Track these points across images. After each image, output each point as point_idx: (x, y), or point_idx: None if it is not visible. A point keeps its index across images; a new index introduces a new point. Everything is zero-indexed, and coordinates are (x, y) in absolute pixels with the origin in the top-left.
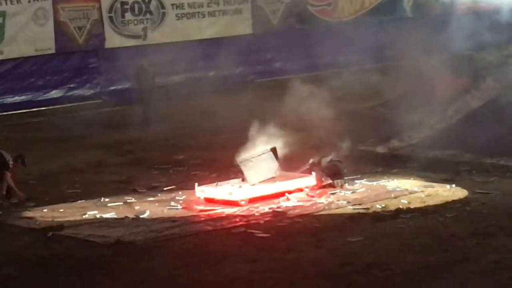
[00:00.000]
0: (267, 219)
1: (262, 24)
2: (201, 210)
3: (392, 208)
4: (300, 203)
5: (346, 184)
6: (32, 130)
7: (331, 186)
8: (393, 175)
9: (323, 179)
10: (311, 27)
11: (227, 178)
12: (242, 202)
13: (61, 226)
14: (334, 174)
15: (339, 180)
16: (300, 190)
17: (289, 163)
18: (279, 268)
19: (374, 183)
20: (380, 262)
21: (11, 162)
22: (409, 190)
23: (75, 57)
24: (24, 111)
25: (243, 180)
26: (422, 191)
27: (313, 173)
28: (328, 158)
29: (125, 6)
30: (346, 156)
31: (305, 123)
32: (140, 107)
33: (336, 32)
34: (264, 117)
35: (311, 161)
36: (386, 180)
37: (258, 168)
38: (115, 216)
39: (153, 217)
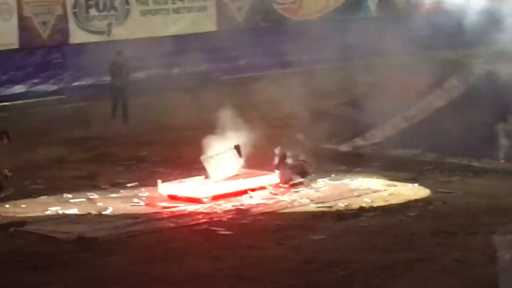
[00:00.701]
0: (230, 216)
1: (227, 21)
2: (164, 207)
3: (355, 206)
4: (263, 201)
5: (312, 183)
6: None
7: (301, 184)
8: (356, 173)
9: (293, 177)
10: (276, 25)
11: (190, 175)
12: (205, 200)
13: (23, 222)
14: (299, 173)
15: (307, 178)
16: (263, 188)
17: (253, 161)
18: (241, 266)
19: (337, 181)
20: (342, 260)
21: None
22: (372, 189)
23: (39, 53)
24: None
25: (207, 177)
26: (385, 190)
27: (277, 171)
28: (293, 154)
29: (90, 2)
30: (310, 154)
31: (269, 121)
32: (115, 103)
33: (301, 31)
34: (228, 115)
35: (276, 155)
36: (349, 179)
37: (221, 166)
38: (78, 212)
39: (116, 213)
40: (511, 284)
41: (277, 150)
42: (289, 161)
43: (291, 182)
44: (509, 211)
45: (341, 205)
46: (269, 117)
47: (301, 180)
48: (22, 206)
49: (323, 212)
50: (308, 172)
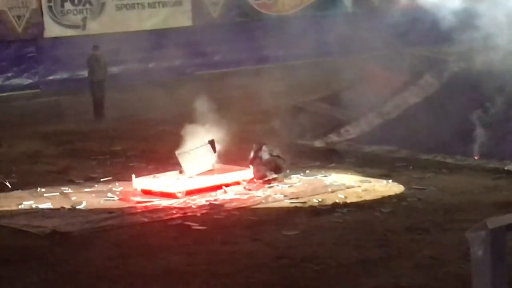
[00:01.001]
0: (204, 211)
1: (202, 17)
2: (138, 202)
3: (329, 202)
4: (237, 196)
5: (286, 179)
6: None
7: (275, 180)
8: (330, 169)
9: (267, 173)
10: (251, 21)
11: (165, 170)
12: (179, 194)
13: None
14: (273, 169)
15: (281, 174)
16: (238, 183)
17: (227, 156)
18: (215, 261)
19: (311, 177)
20: (315, 256)
21: None
22: (346, 185)
23: (14, 46)
24: None
25: (181, 172)
26: (359, 186)
27: (251, 166)
28: (268, 148)
29: None
30: (285, 150)
31: (244, 116)
32: (93, 98)
33: (276, 26)
34: (202, 110)
35: (253, 150)
36: (323, 175)
37: (195, 161)
38: (51, 207)
39: (90, 208)
40: (483, 280)
41: (254, 146)
42: (264, 155)
43: (265, 178)
44: (482, 207)
45: (315, 201)
46: (244, 113)
47: (275, 176)
48: None
49: (297, 207)
50: (281, 168)
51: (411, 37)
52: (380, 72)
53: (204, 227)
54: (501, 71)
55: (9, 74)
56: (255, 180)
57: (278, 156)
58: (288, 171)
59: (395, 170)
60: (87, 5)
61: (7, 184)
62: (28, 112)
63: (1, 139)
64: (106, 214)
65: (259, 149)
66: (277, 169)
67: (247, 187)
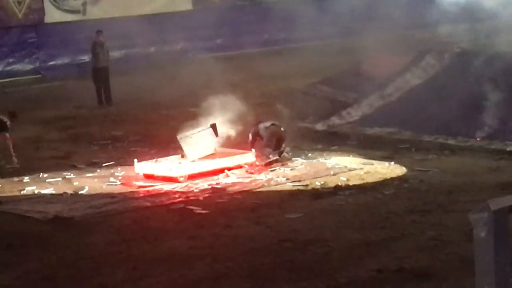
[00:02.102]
0: (206, 195)
1: (202, 0)
2: (140, 186)
3: (331, 185)
4: (240, 180)
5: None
6: None
7: (278, 161)
8: (332, 152)
9: (270, 155)
10: (252, 4)
11: (167, 154)
12: (181, 179)
13: None
14: (275, 142)
15: (285, 153)
16: (240, 167)
17: (229, 140)
18: (218, 245)
19: (313, 160)
20: (318, 239)
21: (8, 122)
22: (348, 167)
23: (14, 32)
24: None
25: (183, 156)
26: (361, 168)
27: (253, 150)
28: (267, 124)
29: None
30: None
31: (246, 100)
32: (97, 85)
33: (278, 9)
34: (204, 94)
35: (251, 134)
36: (326, 158)
37: (197, 145)
38: (54, 192)
39: (92, 193)
40: (486, 261)
41: (252, 128)
42: (262, 132)
43: (267, 161)
44: (485, 189)
45: (317, 183)
46: (246, 96)
47: (277, 156)
48: None
49: (299, 190)
50: (283, 136)
51: (411, 19)
52: (382, 54)
53: (207, 211)
54: (501, 52)
55: (11, 60)
56: (257, 163)
57: (273, 124)
58: (290, 153)
59: (397, 152)
60: None
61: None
62: (29, 98)
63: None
64: (109, 199)
65: (257, 129)
66: (279, 140)
67: (249, 170)
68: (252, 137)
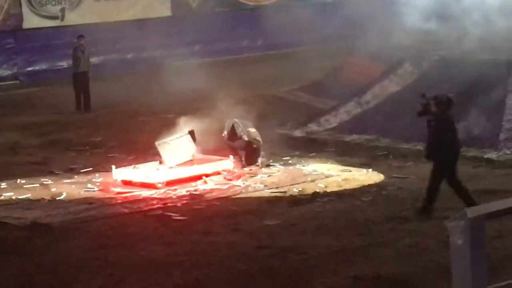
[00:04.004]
0: (184, 202)
1: (181, 7)
2: (118, 193)
3: (309, 191)
4: (218, 186)
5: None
6: None
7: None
8: (310, 159)
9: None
10: (230, 11)
11: (145, 160)
12: (160, 185)
13: None
14: (251, 154)
15: (262, 160)
16: (218, 173)
17: (207, 146)
18: (195, 251)
19: (291, 167)
20: (296, 246)
21: None
22: (326, 174)
23: None
24: None
25: (161, 162)
26: (339, 175)
27: (231, 156)
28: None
29: None
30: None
31: (223, 107)
32: (79, 92)
33: (256, 16)
34: (182, 100)
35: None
36: (303, 164)
37: (175, 151)
38: (31, 198)
39: (70, 199)
40: (463, 268)
41: (227, 122)
42: (244, 136)
43: (255, 164)
44: None
45: (295, 190)
46: (223, 103)
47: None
48: None
49: (277, 197)
50: (259, 152)
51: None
52: (360, 61)
53: (185, 218)
54: (480, 60)
55: None
56: (235, 170)
57: (255, 139)
58: (271, 160)
59: (375, 159)
60: None
61: None
62: (7, 104)
63: None
64: (86, 205)
65: (233, 126)
66: (255, 153)
67: (227, 177)
68: (230, 132)
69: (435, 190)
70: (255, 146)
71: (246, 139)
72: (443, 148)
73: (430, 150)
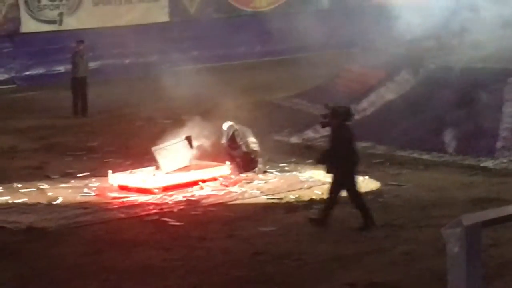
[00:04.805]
0: (181, 207)
1: (179, 12)
2: (115, 198)
3: (305, 198)
4: (214, 192)
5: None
6: None
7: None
8: (307, 165)
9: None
10: (228, 17)
11: (141, 165)
12: (156, 190)
13: None
14: (249, 163)
15: (260, 167)
16: (214, 179)
17: (204, 152)
18: (191, 257)
19: (288, 173)
20: (292, 252)
21: None
22: (322, 181)
23: None
24: None
25: (157, 168)
26: None
27: (228, 162)
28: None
29: None
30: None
31: (220, 113)
32: (74, 95)
33: (253, 22)
34: (179, 106)
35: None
36: (300, 171)
37: (172, 156)
38: (27, 202)
39: (66, 203)
40: (458, 276)
41: (225, 126)
42: (242, 146)
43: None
44: (458, 204)
45: (291, 197)
46: (221, 108)
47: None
48: None
49: (273, 203)
50: (256, 163)
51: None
52: (357, 68)
53: (181, 223)
54: (476, 68)
55: None
56: (232, 176)
57: (254, 150)
58: (267, 166)
59: (372, 167)
60: (64, 0)
61: None
62: (4, 108)
63: None
64: (82, 209)
65: (233, 135)
66: (254, 162)
67: (223, 183)
68: (230, 140)
69: (332, 202)
70: (253, 156)
71: (245, 149)
72: (339, 160)
73: (326, 162)
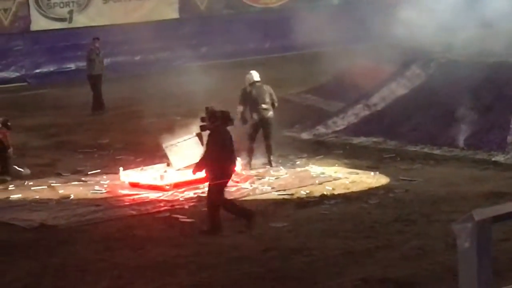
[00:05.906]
0: (192, 204)
1: (189, 9)
2: (126, 195)
3: (317, 194)
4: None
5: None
6: None
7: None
8: (318, 161)
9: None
10: (238, 13)
11: (152, 162)
12: (167, 187)
13: None
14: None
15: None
16: None
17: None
18: (202, 253)
19: (299, 169)
20: (303, 248)
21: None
22: (333, 177)
23: (0, 40)
24: None
25: (168, 165)
26: (346, 178)
27: (239, 158)
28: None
29: None
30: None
31: (232, 108)
32: (93, 91)
33: (263, 18)
34: (189, 102)
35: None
36: (311, 167)
37: (183, 153)
38: (39, 200)
39: (77, 201)
40: (469, 271)
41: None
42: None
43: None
44: (469, 199)
45: (302, 192)
46: (231, 104)
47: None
48: None
49: (284, 199)
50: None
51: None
52: (367, 64)
53: (192, 220)
54: (485, 62)
55: None
56: (243, 172)
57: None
58: (280, 161)
59: (383, 162)
60: None
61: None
62: (15, 105)
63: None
64: (94, 207)
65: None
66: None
67: (234, 179)
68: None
69: (214, 208)
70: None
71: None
72: (213, 165)
73: (202, 166)
